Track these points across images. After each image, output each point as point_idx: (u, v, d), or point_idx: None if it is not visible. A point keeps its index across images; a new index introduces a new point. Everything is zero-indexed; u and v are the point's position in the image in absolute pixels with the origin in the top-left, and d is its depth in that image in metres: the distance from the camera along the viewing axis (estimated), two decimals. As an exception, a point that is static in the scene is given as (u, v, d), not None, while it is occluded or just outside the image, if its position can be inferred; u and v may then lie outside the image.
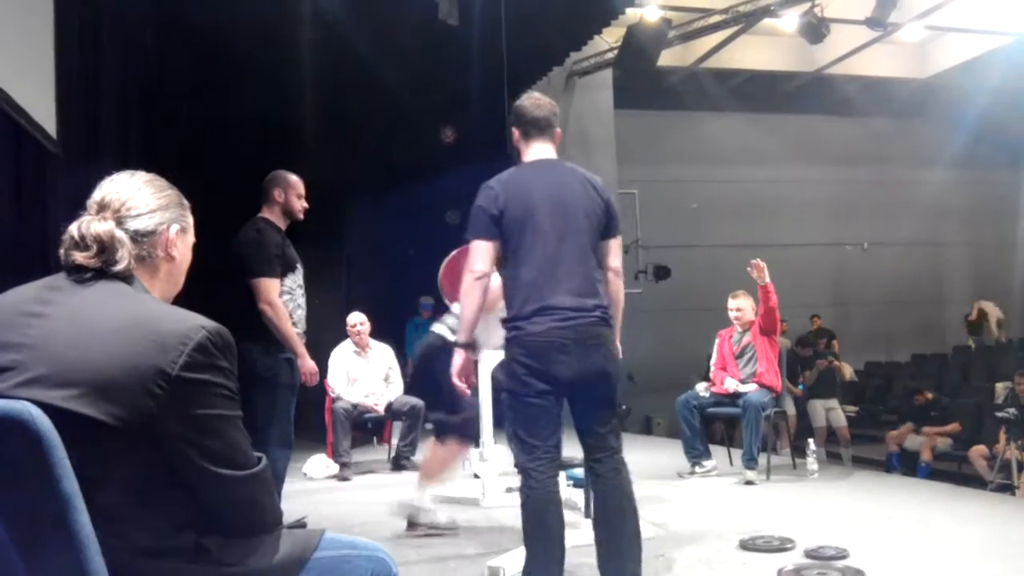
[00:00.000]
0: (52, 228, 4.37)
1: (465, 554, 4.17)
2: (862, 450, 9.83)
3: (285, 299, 4.14)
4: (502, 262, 3.11)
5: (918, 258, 15.83)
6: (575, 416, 3.13)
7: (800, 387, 9.40)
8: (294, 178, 4.37)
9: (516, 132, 3.24)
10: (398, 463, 6.97)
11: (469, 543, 4.39)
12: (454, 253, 5.41)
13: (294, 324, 4.18)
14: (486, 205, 3.08)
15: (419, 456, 7.39)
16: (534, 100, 3.24)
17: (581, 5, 8.75)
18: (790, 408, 8.58)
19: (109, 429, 1.34)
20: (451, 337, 4.17)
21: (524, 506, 3.03)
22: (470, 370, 3.27)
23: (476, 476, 5.90)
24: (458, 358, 3.21)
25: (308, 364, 4.18)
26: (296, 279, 4.27)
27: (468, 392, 3.37)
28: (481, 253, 3.08)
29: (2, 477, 1.30)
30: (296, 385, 4.25)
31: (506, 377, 3.09)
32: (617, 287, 3.21)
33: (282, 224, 4.32)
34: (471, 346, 3.20)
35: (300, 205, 4.36)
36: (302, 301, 4.30)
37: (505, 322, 3.09)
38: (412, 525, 4.49)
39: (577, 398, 3.08)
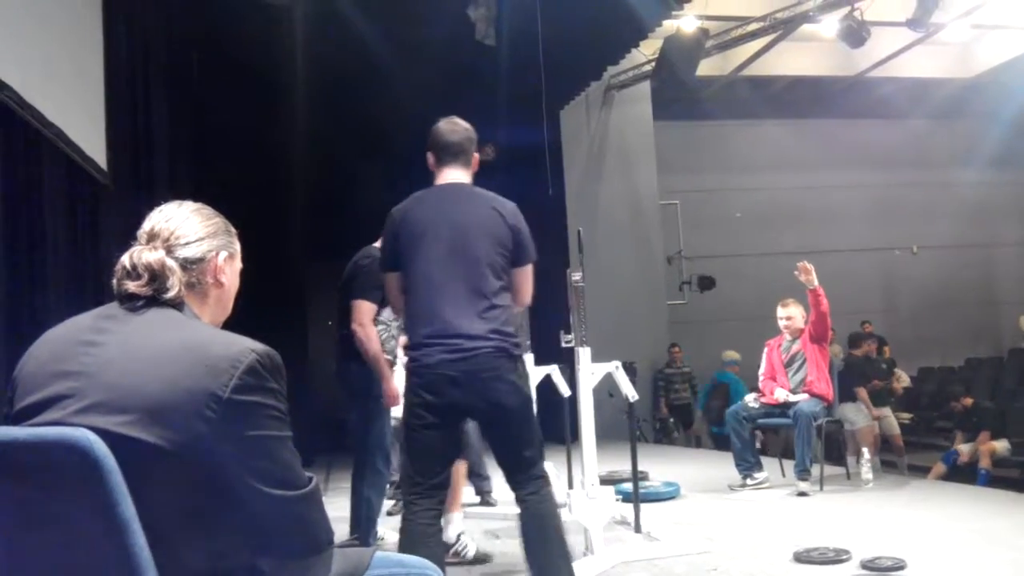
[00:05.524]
0: (104, 258, 4.49)
1: (518, 571, 4.16)
2: (918, 458, 9.63)
3: (380, 328, 4.33)
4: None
5: (968, 260, 15.50)
6: (489, 445, 3.07)
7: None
8: None
9: (430, 157, 3.12)
10: None
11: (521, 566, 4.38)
12: None
13: (386, 353, 4.38)
14: (386, 230, 3.04)
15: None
16: (451, 125, 3.12)
17: (617, 20, 8.78)
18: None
19: (164, 453, 1.37)
20: None
21: (400, 537, 2.95)
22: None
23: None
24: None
25: (391, 387, 4.34)
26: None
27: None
28: (390, 285, 3.08)
29: (62, 502, 1.33)
30: None
31: (403, 405, 3.04)
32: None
33: None
34: None
35: None
36: (396, 333, 4.50)
37: (406, 349, 3.04)
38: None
39: (482, 429, 3.04)
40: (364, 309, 4.21)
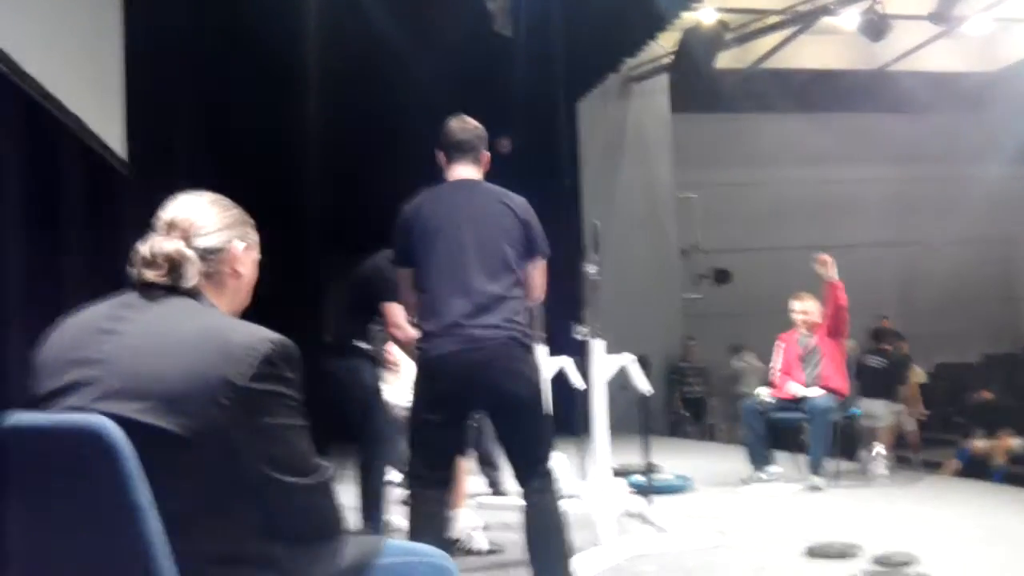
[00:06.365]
0: (123, 247, 4.52)
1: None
2: (932, 454, 9.59)
3: (379, 328, 4.41)
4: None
5: (988, 255, 15.36)
6: (498, 436, 3.10)
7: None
8: None
9: (441, 155, 3.16)
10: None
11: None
12: None
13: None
14: (398, 226, 3.07)
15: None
16: (461, 123, 3.15)
17: (636, 11, 8.75)
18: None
19: (180, 440, 1.39)
20: None
21: (408, 525, 2.99)
22: None
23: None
24: None
25: None
26: None
27: None
28: (402, 280, 3.11)
29: (79, 488, 1.36)
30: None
31: (412, 396, 3.05)
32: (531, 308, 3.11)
33: None
34: None
35: None
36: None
37: (417, 341, 3.05)
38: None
39: (492, 420, 3.06)
40: (398, 311, 4.21)
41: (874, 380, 8.33)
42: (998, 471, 7.63)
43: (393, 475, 6.88)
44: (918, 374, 11.43)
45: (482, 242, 2.95)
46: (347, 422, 4.47)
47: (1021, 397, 9.41)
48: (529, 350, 2.99)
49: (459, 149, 3.12)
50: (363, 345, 4.40)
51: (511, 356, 2.90)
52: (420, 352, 2.98)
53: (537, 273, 3.09)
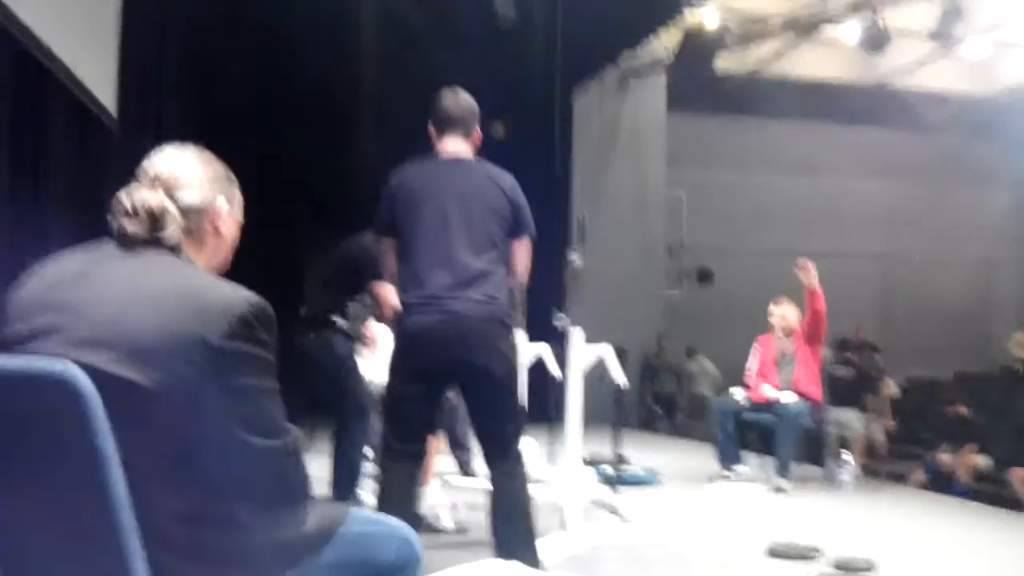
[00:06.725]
0: (106, 203, 4.48)
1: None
2: (900, 467, 9.67)
3: (354, 305, 4.46)
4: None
5: (970, 275, 15.51)
6: (469, 412, 3.11)
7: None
8: None
9: (432, 128, 3.14)
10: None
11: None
12: None
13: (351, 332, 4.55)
14: (383, 195, 3.07)
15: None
16: (454, 97, 3.14)
17: (639, 5, 8.73)
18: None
19: (148, 393, 1.37)
20: None
21: (377, 498, 3.01)
22: None
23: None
24: None
25: None
26: None
27: None
28: (384, 249, 3.11)
29: (42, 435, 1.33)
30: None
31: (389, 368, 3.06)
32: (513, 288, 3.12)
33: None
34: None
35: None
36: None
37: (394, 312, 3.07)
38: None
39: (464, 396, 3.07)
40: (390, 291, 4.22)
41: (843, 389, 8.38)
42: (961, 486, 7.68)
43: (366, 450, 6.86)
44: (890, 386, 11.51)
45: (468, 217, 2.95)
46: (317, 396, 4.47)
47: (992, 416, 9.47)
48: (508, 328, 2.99)
49: (450, 123, 3.10)
50: (339, 321, 4.39)
51: (489, 332, 2.90)
52: (398, 324, 2.98)
53: (522, 252, 3.08)
